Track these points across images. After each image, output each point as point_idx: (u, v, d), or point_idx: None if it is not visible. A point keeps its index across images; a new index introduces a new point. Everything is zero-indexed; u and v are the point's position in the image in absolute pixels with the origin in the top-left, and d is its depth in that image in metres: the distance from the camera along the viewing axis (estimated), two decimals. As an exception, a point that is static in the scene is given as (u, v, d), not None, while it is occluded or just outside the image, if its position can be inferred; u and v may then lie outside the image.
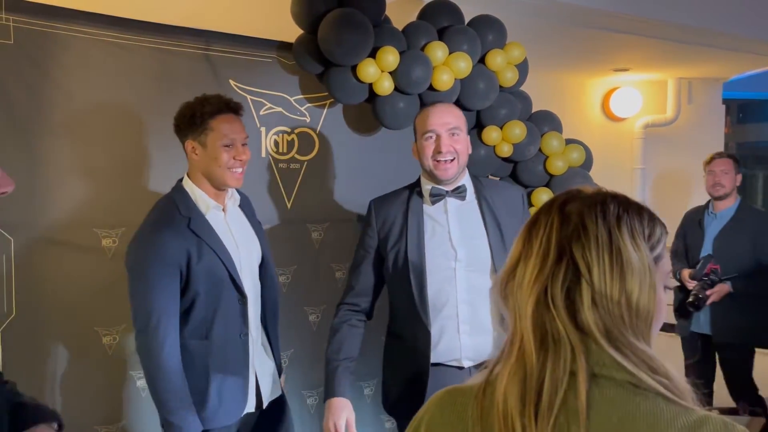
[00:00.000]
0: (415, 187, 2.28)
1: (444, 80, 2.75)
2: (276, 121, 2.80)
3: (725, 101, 5.71)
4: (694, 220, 3.89)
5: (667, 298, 1.08)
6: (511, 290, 0.94)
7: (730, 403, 4.07)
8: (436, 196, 2.22)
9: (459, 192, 2.22)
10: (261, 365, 2.21)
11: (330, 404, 2.14)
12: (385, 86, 2.71)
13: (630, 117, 5.28)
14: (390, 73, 2.70)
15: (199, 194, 2.09)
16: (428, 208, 2.23)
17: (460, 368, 2.17)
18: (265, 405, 2.22)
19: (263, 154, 2.78)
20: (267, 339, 2.26)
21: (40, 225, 2.33)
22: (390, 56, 2.65)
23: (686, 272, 3.71)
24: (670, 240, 3.65)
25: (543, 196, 3.05)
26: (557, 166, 3.07)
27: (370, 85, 2.72)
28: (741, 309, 3.63)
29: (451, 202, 2.22)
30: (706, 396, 3.91)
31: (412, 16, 2.91)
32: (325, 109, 2.92)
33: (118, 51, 2.45)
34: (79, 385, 2.40)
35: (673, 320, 3.87)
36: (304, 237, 2.91)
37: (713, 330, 3.74)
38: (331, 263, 2.98)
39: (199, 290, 2.02)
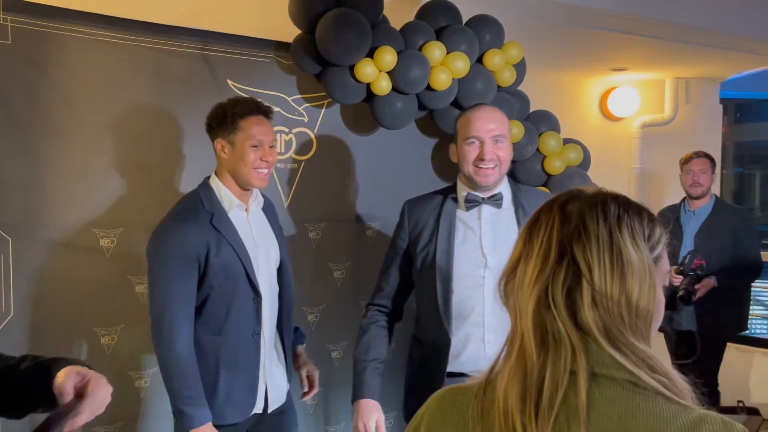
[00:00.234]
0: (450, 191, 2.23)
1: (442, 80, 2.75)
2: (274, 121, 2.79)
3: (723, 101, 5.71)
4: (670, 219, 3.94)
5: None
6: (511, 290, 0.94)
7: (730, 402, 4.08)
8: (472, 203, 2.15)
9: (495, 200, 2.15)
10: (271, 368, 2.22)
11: (359, 405, 2.12)
12: (382, 86, 2.71)
13: (628, 117, 5.28)
14: (388, 73, 2.71)
15: (224, 191, 2.14)
16: (462, 214, 2.17)
17: None
18: (271, 409, 2.22)
19: (261, 154, 2.78)
20: (281, 343, 2.28)
21: (38, 225, 2.33)
22: (388, 56, 2.66)
23: (672, 268, 3.74)
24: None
25: (541, 195, 3.05)
26: (555, 166, 3.07)
27: (368, 85, 2.72)
28: (723, 303, 3.73)
29: (486, 209, 2.16)
30: (711, 395, 3.94)
31: (410, 16, 2.92)
32: (323, 109, 2.92)
33: (116, 51, 2.45)
34: (77, 385, 2.40)
35: None
36: (301, 236, 2.91)
37: (699, 325, 3.78)
38: (328, 263, 2.98)
39: (214, 284, 2.06)
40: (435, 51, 2.75)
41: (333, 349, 2.99)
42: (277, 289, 2.25)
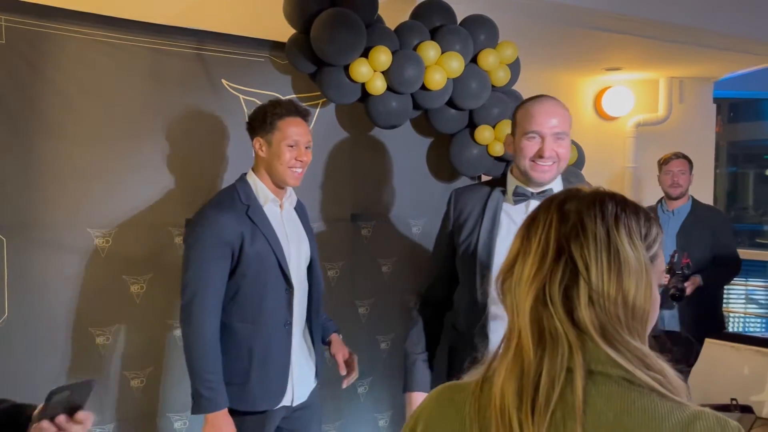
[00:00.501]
0: (499, 183, 2.16)
1: (436, 80, 2.75)
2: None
3: (716, 100, 5.73)
4: None
5: None
6: (508, 287, 0.95)
7: (723, 399, 4.09)
8: (520, 196, 2.09)
9: (545, 195, 2.08)
10: (300, 361, 2.29)
11: (410, 397, 2.15)
12: (377, 86, 2.71)
13: (622, 116, 5.30)
14: (382, 72, 2.71)
15: (260, 186, 2.24)
16: (509, 207, 2.11)
17: None
18: (296, 402, 2.29)
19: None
20: (311, 338, 2.36)
21: (34, 225, 2.33)
22: (382, 56, 2.66)
23: None
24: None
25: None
26: (550, 165, 3.08)
27: (363, 84, 2.72)
28: (706, 302, 3.79)
29: (535, 204, 2.10)
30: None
31: (405, 16, 2.92)
32: (318, 109, 2.93)
33: (111, 50, 2.45)
34: (72, 386, 2.39)
35: None
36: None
37: (681, 324, 3.83)
38: (323, 262, 2.98)
39: (247, 273, 2.14)
40: (429, 51, 2.75)
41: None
42: (306, 285, 2.33)
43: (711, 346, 4.58)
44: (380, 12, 2.79)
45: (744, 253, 8.35)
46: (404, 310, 3.12)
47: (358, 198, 3.03)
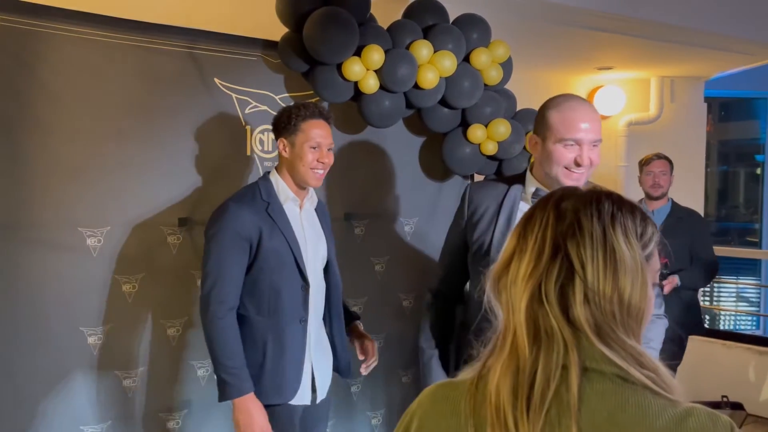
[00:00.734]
0: (516, 180, 2.10)
1: (429, 78, 2.76)
2: (261, 120, 2.79)
3: (707, 99, 5.77)
4: None
5: None
6: (504, 285, 0.95)
7: (714, 396, 4.12)
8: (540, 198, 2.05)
9: None
10: (318, 360, 2.34)
11: None
12: (370, 84, 2.71)
13: (614, 115, 5.32)
14: (375, 71, 2.71)
15: (281, 185, 2.29)
16: (525, 207, 2.05)
17: None
18: (320, 399, 2.35)
19: (248, 153, 2.78)
20: (330, 338, 2.41)
21: (24, 224, 2.32)
22: (375, 55, 2.66)
23: None
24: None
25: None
26: (542, 164, 3.08)
27: (356, 83, 2.72)
28: (685, 301, 3.84)
29: None
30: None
31: (397, 15, 2.92)
32: (311, 108, 2.92)
33: (103, 49, 2.43)
34: (64, 386, 2.39)
35: None
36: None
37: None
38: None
39: (265, 267, 2.21)
40: (422, 50, 2.75)
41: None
42: (323, 284, 2.38)
43: (700, 344, 4.61)
44: (373, 11, 2.79)
45: (734, 252, 8.42)
46: (397, 308, 3.12)
47: (351, 197, 3.03)
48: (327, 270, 2.40)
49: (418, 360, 2.19)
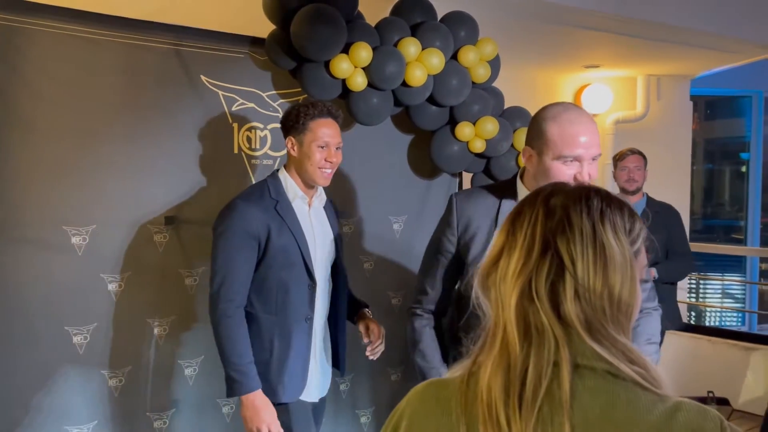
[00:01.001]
0: (506, 191, 1.96)
1: (417, 76, 2.75)
2: (248, 117, 2.78)
3: (693, 98, 5.81)
4: None
5: None
6: (493, 282, 0.94)
7: (700, 392, 4.15)
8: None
9: None
10: (322, 358, 2.36)
11: None
12: (358, 82, 2.70)
13: (601, 113, 5.34)
14: (363, 68, 2.70)
15: (290, 183, 2.30)
16: None
17: None
18: (319, 398, 2.38)
19: (235, 150, 2.76)
20: (333, 336, 2.41)
21: (9, 223, 2.29)
22: (363, 52, 2.65)
23: None
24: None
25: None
26: (530, 162, 3.09)
27: (344, 80, 2.71)
28: (661, 295, 3.84)
29: None
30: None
31: (385, 12, 2.91)
32: (299, 105, 2.91)
33: (87, 46, 2.41)
34: (49, 385, 2.36)
35: None
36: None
37: None
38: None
39: (273, 264, 2.21)
40: (410, 47, 2.75)
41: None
42: (330, 283, 2.39)
43: (686, 340, 4.64)
44: (360, 8, 2.78)
45: (720, 249, 8.47)
46: (386, 306, 3.12)
47: (339, 195, 3.02)
48: (334, 269, 2.41)
49: (417, 375, 2.08)
